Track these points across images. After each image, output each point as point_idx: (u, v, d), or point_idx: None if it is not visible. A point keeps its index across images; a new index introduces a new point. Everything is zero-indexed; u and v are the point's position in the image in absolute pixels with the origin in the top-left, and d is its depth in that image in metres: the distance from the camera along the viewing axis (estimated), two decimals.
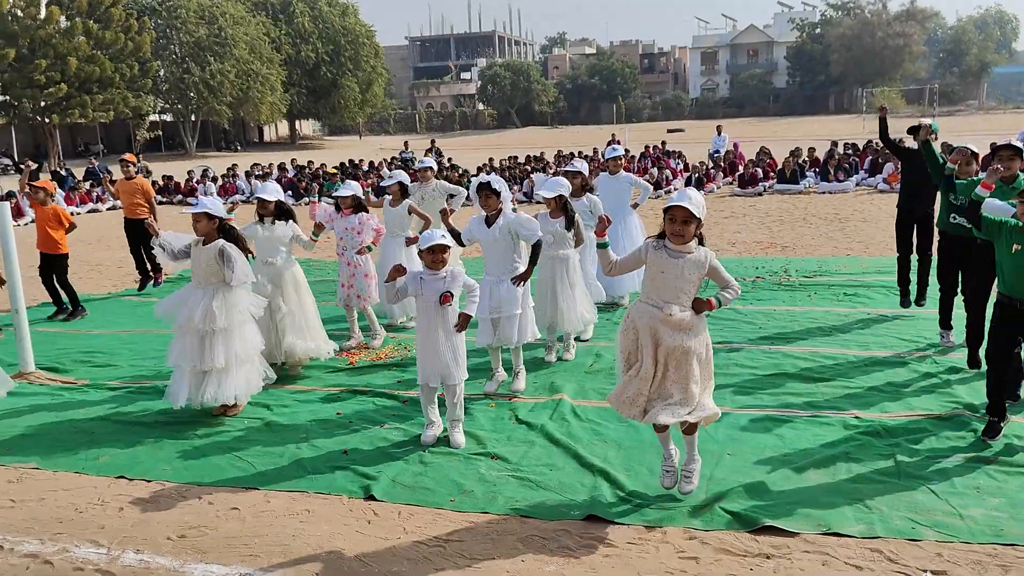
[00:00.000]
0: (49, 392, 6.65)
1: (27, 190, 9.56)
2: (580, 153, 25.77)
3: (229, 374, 5.68)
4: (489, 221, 5.88)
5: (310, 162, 26.88)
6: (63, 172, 27.50)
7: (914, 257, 7.77)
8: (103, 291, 11.01)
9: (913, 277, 7.79)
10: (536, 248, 5.86)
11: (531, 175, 20.40)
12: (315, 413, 5.92)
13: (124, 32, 40.90)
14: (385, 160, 28.82)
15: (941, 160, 6.54)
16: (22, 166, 10.33)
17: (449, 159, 27.70)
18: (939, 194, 6.84)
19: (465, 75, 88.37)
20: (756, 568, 3.74)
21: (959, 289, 6.69)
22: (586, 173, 7.71)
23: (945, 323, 6.94)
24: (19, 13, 37.60)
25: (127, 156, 11.14)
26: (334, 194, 7.95)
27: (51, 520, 4.45)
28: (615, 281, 8.34)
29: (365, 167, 26.50)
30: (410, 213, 8.02)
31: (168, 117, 51.42)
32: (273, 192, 6.80)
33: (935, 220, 7.05)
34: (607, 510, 4.30)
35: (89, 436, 5.63)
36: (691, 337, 4.10)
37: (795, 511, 4.20)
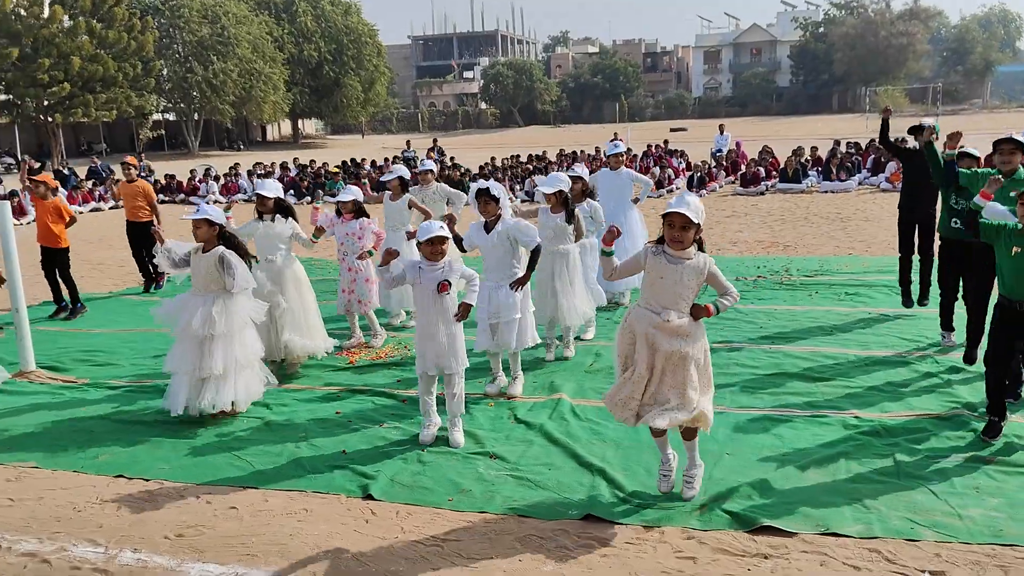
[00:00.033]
0: (49, 391, 6.66)
1: (27, 183, 9.55)
2: (583, 152, 25.77)
3: (228, 380, 5.68)
4: (488, 227, 5.90)
5: (312, 161, 26.89)
6: (66, 171, 27.51)
7: (916, 257, 7.76)
8: (104, 290, 11.02)
9: (915, 277, 7.78)
10: (535, 254, 5.88)
11: (533, 175, 20.41)
12: (314, 412, 5.92)
13: (127, 31, 40.94)
14: (387, 159, 28.80)
15: (943, 162, 6.52)
16: (22, 161, 10.29)
17: (452, 158, 27.68)
18: (940, 199, 6.84)
19: (468, 74, 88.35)
20: (754, 568, 3.73)
21: (960, 294, 6.69)
22: (587, 177, 7.71)
23: (946, 326, 6.93)
24: (23, 12, 37.66)
25: (129, 159, 11.12)
26: (335, 199, 7.96)
27: (49, 519, 4.45)
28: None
29: (368, 166, 26.49)
30: (410, 207, 8.08)
31: (171, 116, 51.48)
32: (272, 189, 6.81)
33: (936, 220, 7.04)
34: (605, 510, 4.30)
35: (89, 435, 5.63)
36: (689, 343, 4.10)
37: (794, 511, 4.19)
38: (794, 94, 75.53)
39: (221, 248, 5.74)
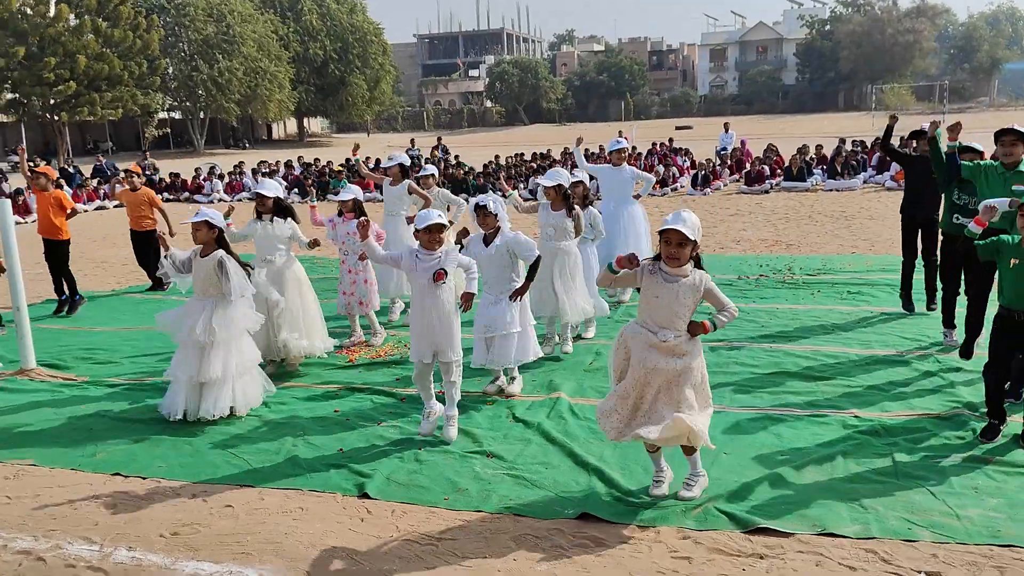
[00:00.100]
0: (49, 389, 6.67)
1: (27, 175, 9.55)
2: (587, 151, 25.72)
3: (226, 385, 5.71)
4: (487, 240, 5.91)
5: (316, 159, 26.91)
6: (71, 169, 27.60)
7: (919, 260, 7.75)
8: (107, 288, 11.03)
9: (917, 280, 7.77)
10: (534, 267, 5.87)
11: (537, 175, 20.39)
12: (313, 411, 5.92)
13: (133, 30, 41.08)
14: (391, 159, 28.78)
15: (945, 156, 6.49)
16: (18, 151, 10.28)
17: (456, 157, 27.69)
18: (943, 196, 6.81)
19: (473, 72, 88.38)
20: (749, 568, 3.71)
21: (963, 289, 6.66)
22: (587, 181, 7.69)
23: (948, 322, 6.89)
24: (29, 11, 37.80)
25: (133, 167, 11.10)
26: (337, 198, 7.99)
27: (45, 517, 4.46)
28: None
29: (372, 164, 26.49)
30: (410, 193, 8.20)
31: (177, 115, 51.63)
32: (272, 188, 6.81)
33: (939, 224, 7.02)
34: (601, 509, 4.28)
35: (87, 433, 5.63)
36: (684, 362, 4.10)
37: (791, 511, 4.17)
38: (800, 92, 75.35)
39: (220, 252, 5.78)
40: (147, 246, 10.53)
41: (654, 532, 4.06)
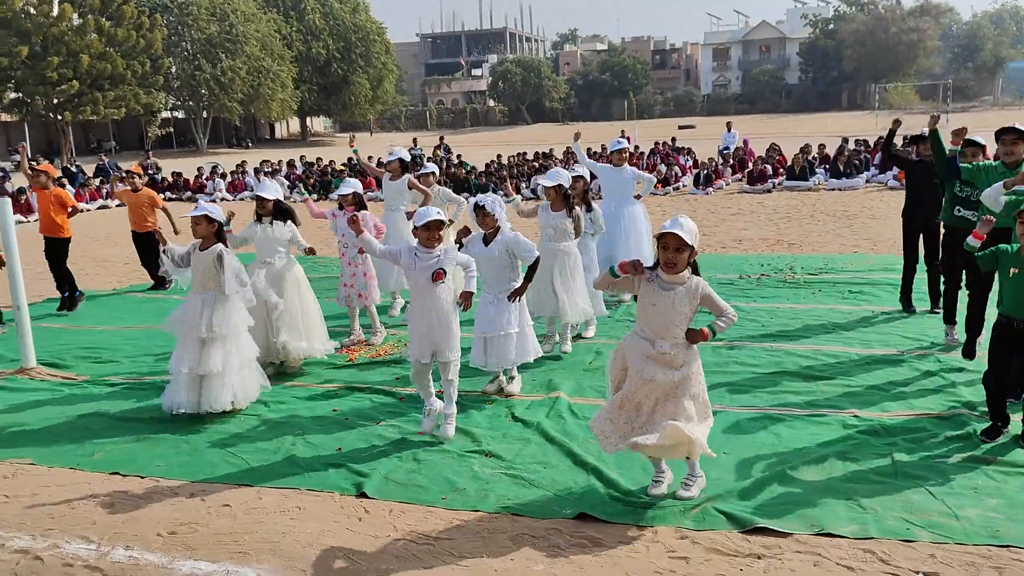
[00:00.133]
0: (49, 388, 6.67)
1: (28, 172, 9.56)
2: (589, 150, 25.68)
3: (226, 379, 5.71)
4: (487, 240, 5.91)
5: (319, 159, 26.93)
6: (74, 168, 27.64)
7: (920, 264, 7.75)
8: (108, 287, 11.04)
9: (919, 283, 7.76)
10: (532, 268, 5.87)
11: (538, 175, 20.39)
12: (312, 410, 5.92)
13: (136, 29, 41.13)
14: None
15: (947, 156, 6.47)
16: (19, 149, 10.30)
17: (458, 156, 27.68)
18: (944, 189, 6.80)
19: (476, 72, 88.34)
20: (746, 568, 3.70)
21: (964, 284, 6.64)
22: (587, 177, 7.68)
23: (950, 318, 6.87)
24: (32, 11, 37.86)
25: (134, 167, 11.11)
26: (336, 193, 8.00)
27: (43, 515, 4.46)
28: None
29: (375, 163, 26.50)
30: (410, 188, 8.25)
31: (180, 114, 51.71)
32: (272, 191, 6.80)
33: (941, 217, 6.99)
34: (599, 509, 4.27)
35: (86, 432, 5.64)
36: (682, 373, 4.10)
37: (789, 511, 4.15)
38: (803, 91, 75.19)
39: (219, 246, 5.78)
40: (148, 247, 10.53)
41: (652, 532, 4.05)
